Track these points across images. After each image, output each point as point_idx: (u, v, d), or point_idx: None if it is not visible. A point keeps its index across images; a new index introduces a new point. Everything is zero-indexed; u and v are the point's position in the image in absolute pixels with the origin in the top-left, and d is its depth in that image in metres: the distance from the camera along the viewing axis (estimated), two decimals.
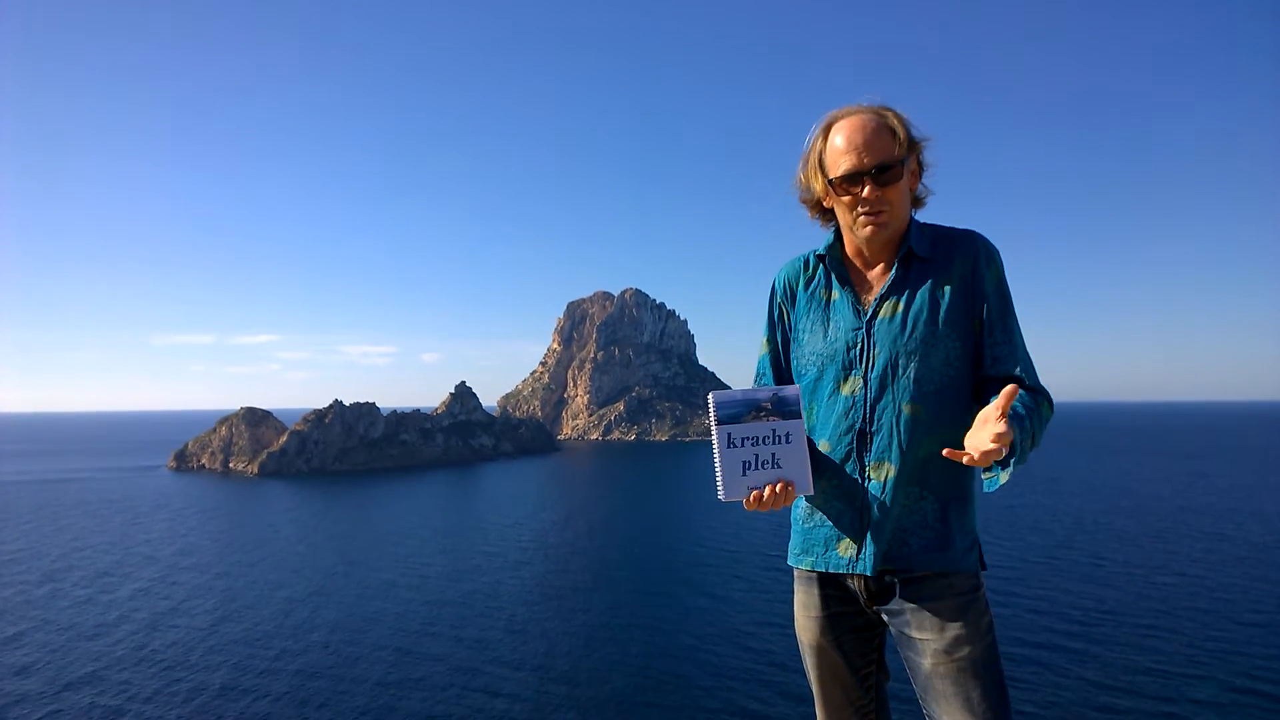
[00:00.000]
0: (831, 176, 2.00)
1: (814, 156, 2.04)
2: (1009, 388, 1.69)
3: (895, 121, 1.97)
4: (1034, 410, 1.86)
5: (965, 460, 1.71)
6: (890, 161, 1.93)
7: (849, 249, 2.13)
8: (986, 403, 1.90)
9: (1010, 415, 1.74)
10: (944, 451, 1.76)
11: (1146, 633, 26.35)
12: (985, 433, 1.67)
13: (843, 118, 2.00)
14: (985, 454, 1.65)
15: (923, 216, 2.15)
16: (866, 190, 1.94)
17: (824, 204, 2.11)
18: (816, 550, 2.11)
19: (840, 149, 1.97)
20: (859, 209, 1.98)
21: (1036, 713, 19.85)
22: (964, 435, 1.91)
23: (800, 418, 1.94)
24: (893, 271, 2.03)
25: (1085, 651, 24.49)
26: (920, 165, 2.06)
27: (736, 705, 21.13)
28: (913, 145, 1.99)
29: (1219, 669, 22.83)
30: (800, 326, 2.16)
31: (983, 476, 1.85)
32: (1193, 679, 22.18)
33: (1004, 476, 1.77)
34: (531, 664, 24.60)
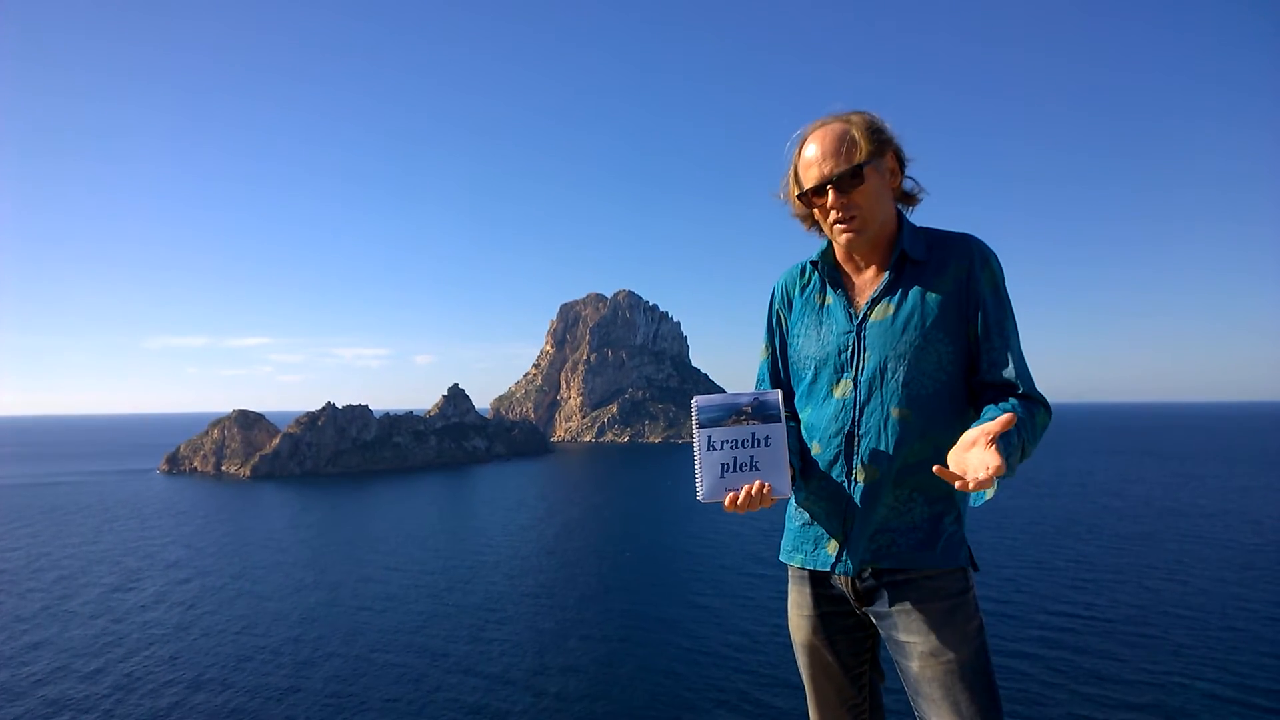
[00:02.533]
0: (800, 191, 2.06)
1: (791, 172, 2.09)
2: (1006, 416, 1.69)
3: (859, 128, 1.98)
4: (1026, 421, 1.85)
5: (958, 485, 1.69)
6: (850, 169, 1.96)
7: (840, 254, 2.15)
8: (982, 408, 1.94)
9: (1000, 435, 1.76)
10: (935, 469, 1.75)
11: (1135, 636, 26.42)
12: (976, 458, 1.67)
13: (811, 131, 2.05)
14: (978, 484, 1.64)
15: (922, 219, 2.13)
16: (831, 198, 1.99)
17: (813, 215, 2.12)
18: (806, 549, 2.13)
19: (807, 162, 2.02)
20: (829, 218, 2.03)
21: (1025, 716, 19.79)
22: (956, 439, 1.94)
23: (781, 422, 1.97)
24: (886, 275, 2.05)
25: (1073, 654, 24.56)
26: (900, 163, 2.07)
27: (726, 711, 20.99)
28: (883, 147, 2.01)
29: (1208, 672, 22.91)
30: (796, 331, 2.19)
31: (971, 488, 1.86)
32: (1181, 681, 22.24)
33: (990, 492, 1.78)
34: (516, 671, 24.48)
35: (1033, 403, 1.91)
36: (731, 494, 1.93)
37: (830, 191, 1.98)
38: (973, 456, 1.69)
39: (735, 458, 1.95)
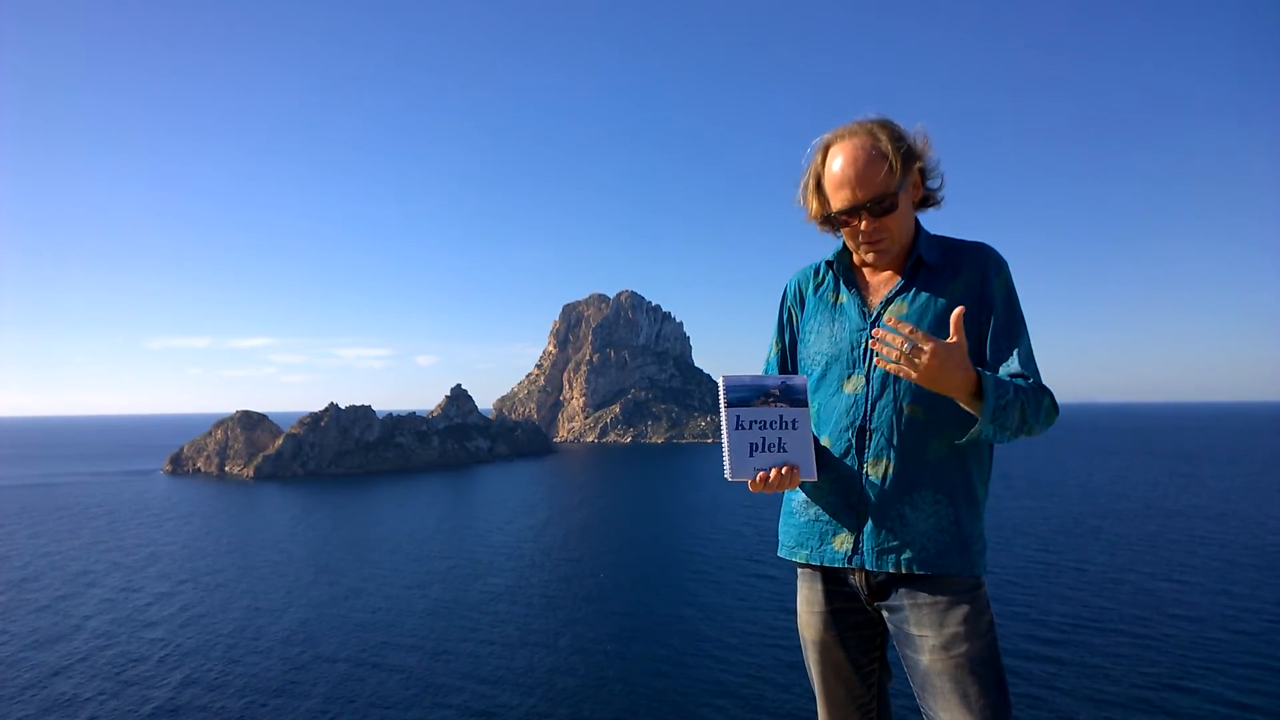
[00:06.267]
0: (829, 211, 2.06)
1: (812, 179, 2.09)
2: (957, 309, 1.81)
3: (889, 145, 1.97)
4: (1027, 391, 1.88)
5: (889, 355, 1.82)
6: (884, 194, 1.96)
7: (857, 257, 2.19)
8: None
9: (991, 375, 1.84)
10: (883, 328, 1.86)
11: (1138, 638, 26.33)
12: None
13: (837, 141, 2.03)
14: (899, 354, 1.78)
15: (934, 225, 2.18)
16: (864, 223, 2.01)
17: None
18: (812, 544, 2.13)
19: (836, 181, 2.00)
20: (858, 239, 2.06)
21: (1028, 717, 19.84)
22: (965, 436, 1.96)
23: (807, 407, 1.99)
24: (901, 277, 2.09)
25: (1076, 656, 24.48)
26: (923, 173, 2.08)
27: (728, 712, 21.04)
28: (910, 161, 2.01)
29: (1211, 677, 22.78)
30: (808, 328, 2.22)
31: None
32: (1184, 687, 22.16)
33: (973, 431, 1.84)
34: (515, 676, 24.32)
35: (1040, 390, 1.94)
36: (761, 473, 1.94)
37: (864, 216, 2.00)
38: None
39: (764, 438, 1.95)
